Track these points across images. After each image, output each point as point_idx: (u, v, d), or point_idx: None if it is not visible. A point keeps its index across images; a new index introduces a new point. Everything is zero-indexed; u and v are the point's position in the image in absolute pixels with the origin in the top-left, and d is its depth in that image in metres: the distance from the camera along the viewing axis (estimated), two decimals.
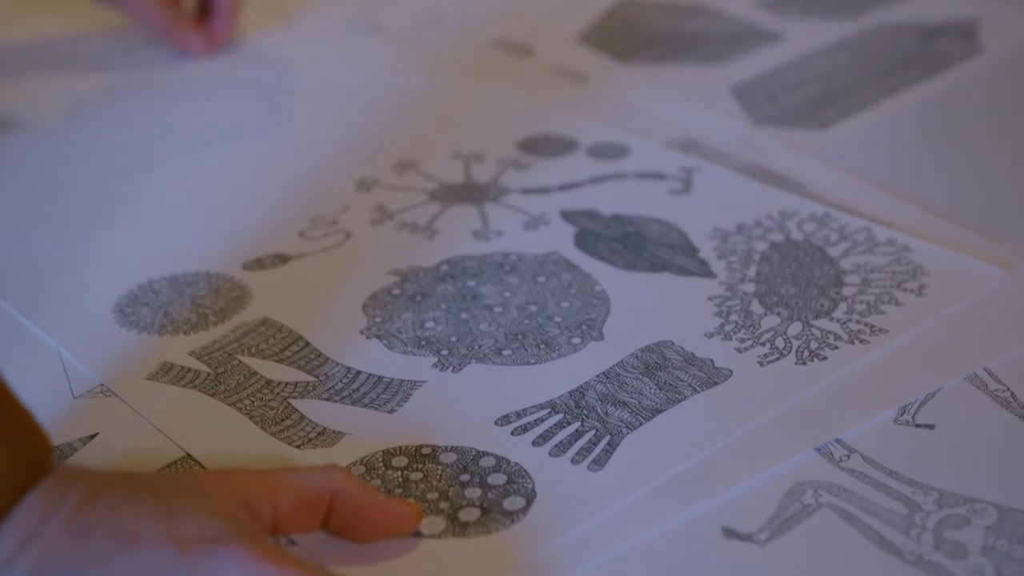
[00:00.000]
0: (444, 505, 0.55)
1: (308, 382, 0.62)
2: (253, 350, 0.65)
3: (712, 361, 0.63)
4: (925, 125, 0.87)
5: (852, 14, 1.00)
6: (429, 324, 0.66)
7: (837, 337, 0.64)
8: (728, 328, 0.65)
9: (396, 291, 0.69)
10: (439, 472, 0.57)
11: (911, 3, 1.02)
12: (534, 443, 0.58)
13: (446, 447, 0.58)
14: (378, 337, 0.66)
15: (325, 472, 0.52)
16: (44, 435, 0.51)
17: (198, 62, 0.94)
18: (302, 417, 0.60)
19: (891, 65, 0.93)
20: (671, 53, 0.96)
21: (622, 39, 0.98)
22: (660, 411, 0.59)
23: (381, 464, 0.57)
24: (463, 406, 0.61)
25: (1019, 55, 0.94)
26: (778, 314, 0.66)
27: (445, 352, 0.64)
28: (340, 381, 0.62)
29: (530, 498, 0.55)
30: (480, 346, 0.65)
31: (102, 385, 0.63)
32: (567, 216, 0.75)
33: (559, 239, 0.73)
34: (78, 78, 0.93)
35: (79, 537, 0.47)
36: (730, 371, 0.62)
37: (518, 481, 0.56)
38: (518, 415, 0.60)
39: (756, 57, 0.95)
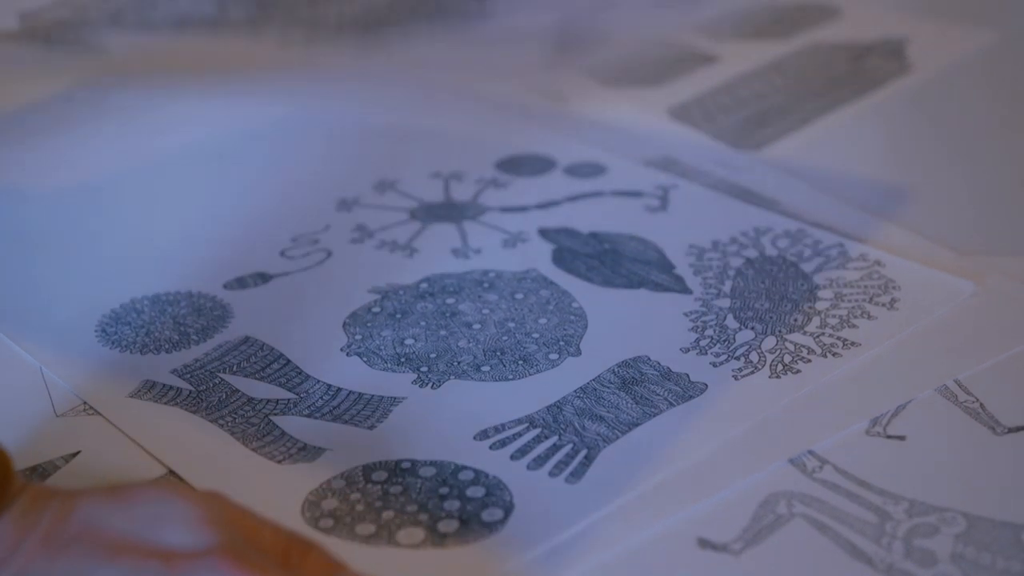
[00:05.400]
0: (423, 517, 0.55)
1: (289, 399, 0.63)
2: (235, 368, 0.65)
3: (688, 375, 0.63)
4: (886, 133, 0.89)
5: (784, 35, 1.02)
6: (409, 341, 0.67)
7: (810, 351, 0.65)
8: (703, 343, 0.66)
9: (376, 309, 0.70)
10: (418, 485, 0.57)
11: (841, 23, 1.04)
12: (512, 457, 0.59)
13: (425, 461, 0.59)
14: (358, 354, 0.66)
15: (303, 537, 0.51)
16: (2, 451, 0.50)
17: (180, 85, 0.95)
18: (283, 433, 0.61)
19: (823, 85, 0.94)
20: (609, 76, 0.97)
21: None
22: (636, 425, 0.60)
23: (361, 478, 0.58)
24: (442, 422, 0.61)
25: (948, 70, 0.96)
26: (752, 328, 0.67)
27: (424, 369, 0.65)
28: (321, 398, 0.63)
29: (508, 510, 0.56)
30: (459, 362, 0.65)
31: (84, 403, 0.63)
32: (545, 234, 0.76)
33: (537, 256, 0.74)
34: (59, 95, 0.94)
35: (57, 554, 0.46)
36: (705, 385, 0.63)
37: (496, 493, 0.56)
38: (496, 430, 0.60)
39: (691, 79, 0.96)
